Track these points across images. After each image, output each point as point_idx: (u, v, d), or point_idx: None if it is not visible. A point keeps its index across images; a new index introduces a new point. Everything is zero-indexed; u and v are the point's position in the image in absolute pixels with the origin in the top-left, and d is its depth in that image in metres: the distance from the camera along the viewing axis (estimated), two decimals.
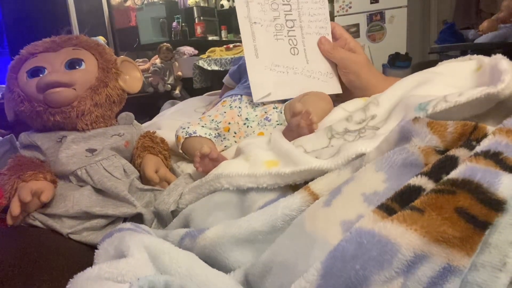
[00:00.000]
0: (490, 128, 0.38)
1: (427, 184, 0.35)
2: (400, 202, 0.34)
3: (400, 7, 3.70)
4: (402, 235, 0.30)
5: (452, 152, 0.37)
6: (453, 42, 3.04)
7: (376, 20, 3.81)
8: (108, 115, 0.70)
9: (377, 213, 0.33)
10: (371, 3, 3.80)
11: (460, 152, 0.36)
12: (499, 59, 0.50)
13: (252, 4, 0.77)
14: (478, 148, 0.34)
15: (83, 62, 0.67)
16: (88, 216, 0.60)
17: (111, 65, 0.71)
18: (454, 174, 0.32)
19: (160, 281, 0.33)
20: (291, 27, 0.81)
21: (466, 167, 0.32)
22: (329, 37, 0.83)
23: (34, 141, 0.65)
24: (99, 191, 0.63)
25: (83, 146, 0.65)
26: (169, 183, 0.70)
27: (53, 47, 0.67)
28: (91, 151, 0.66)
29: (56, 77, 0.63)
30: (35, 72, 0.65)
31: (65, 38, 0.70)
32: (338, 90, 0.83)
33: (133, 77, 0.75)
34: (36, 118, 0.65)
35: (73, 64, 0.66)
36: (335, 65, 0.83)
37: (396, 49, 3.45)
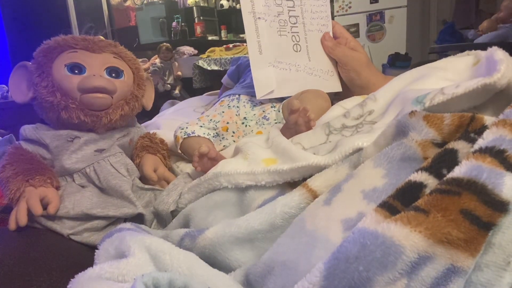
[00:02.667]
0: (488, 118, 0.38)
1: (428, 180, 0.35)
2: (402, 200, 0.34)
3: (400, 7, 3.70)
4: (407, 237, 0.29)
5: (451, 145, 0.36)
6: (452, 42, 3.04)
7: (375, 20, 3.81)
8: (120, 124, 0.71)
9: (379, 212, 0.33)
10: (371, 3, 3.80)
11: (459, 145, 0.36)
12: (494, 50, 0.50)
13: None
14: (482, 143, 0.34)
15: (123, 73, 0.68)
16: (88, 217, 0.59)
17: (143, 82, 0.73)
18: (459, 172, 0.32)
19: (164, 278, 0.33)
20: (294, 23, 0.81)
21: (471, 165, 0.32)
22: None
23: (42, 139, 0.63)
24: (100, 192, 0.63)
25: (92, 148, 0.66)
26: (168, 182, 0.71)
27: (93, 48, 0.67)
28: (100, 150, 0.66)
29: (104, 83, 0.63)
30: (74, 68, 0.64)
31: (106, 42, 0.70)
32: (338, 88, 0.84)
33: (149, 96, 0.77)
34: (60, 111, 0.63)
35: (114, 72, 0.67)
36: (335, 63, 0.83)
37: (395, 49, 3.45)
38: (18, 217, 0.54)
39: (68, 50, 0.65)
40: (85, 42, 0.66)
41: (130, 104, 0.69)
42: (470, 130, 0.37)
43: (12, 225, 0.54)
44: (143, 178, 0.70)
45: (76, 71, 0.63)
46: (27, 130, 0.65)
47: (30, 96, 0.64)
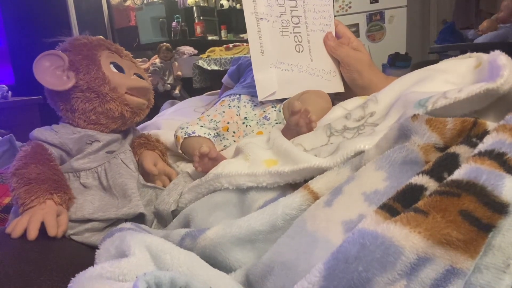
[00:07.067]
0: (490, 124, 0.38)
1: (429, 183, 0.35)
2: (402, 202, 0.34)
3: (400, 7, 3.71)
4: (406, 237, 0.29)
5: (452, 149, 0.36)
6: (452, 42, 3.05)
7: (375, 20, 3.81)
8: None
9: (379, 213, 0.33)
10: (371, 3, 3.80)
11: (460, 149, 0.36)
12: (497, 55, 0.50)
13: (259, 0, 0.76)
14: (482, 147, 0.34)
15: (145, 79, 0.75)
16: (90, 220, 0.60)
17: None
18: (458, 174, 0.32)
19: (166, 277, 0.33)
20: (297, 24, 0.81)
21: (470, 168, 0.32)
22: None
23: (66, 144, 0.64)
24: (102, 194, 0.63)
25: (105, 150, 0.68)
26: (168, 177, 0.72)
27: (121, 54, 0.74)
28: (110, 152, 0.68)
29: (148, 85, 0.73)
30: (117, 67, 0.70)
31: (125, 51, 0.76)
32: (340, 88, 0.83)
33: None
34: (104, 103, 0.66)
35: (139, 78, 0.73)
36: (338, 64, 0.83)
37: (395, 49, 3.45)
38: (30, 229, 0.50)
39: (106, 50, 0.71)
40: (114, 47, 0.73)
41: (150, 103, 0.76)
42: (472, 135, 0.37)
43: (17, 233, 0.50)
44: (144, 175, 0.70)
45: (117, 71, 0.70)
46: (46, 133, 0.64)
47: (70, 84, 0.65)
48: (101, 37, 0.73)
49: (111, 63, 0.69)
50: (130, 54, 0.77)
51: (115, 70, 0.69)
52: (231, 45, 3.17)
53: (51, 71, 0.65)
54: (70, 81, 0.65)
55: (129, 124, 0.73)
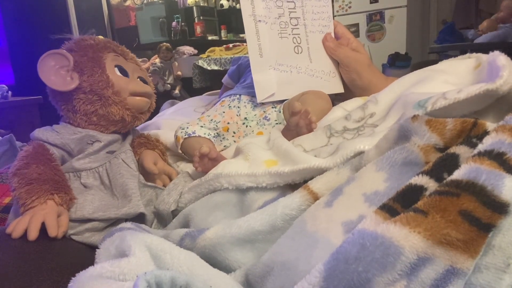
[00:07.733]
0: (490, 124, 0.38)
1: (429, 183, 0.35)
2: (402, 202, 0.34)
3: (400, 7, 3.71)
4: (406, 238, 0.29)
5: (452, 149, 0.36)
6: (452, 42, 3.05)
7: (375, 20, 3.82)
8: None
9: (379, 214, 0.33)
10: (371, 3, 3.80)
11: (460, 150, 0.36)
12: (497, 55, 0.50)
13: (257, 2, 0.76)
14: (481, 147, 0.34)
15: (147, 83, 0.75)
16: (90, 219, 0.60)
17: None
18: (458, 174, 0.32)
19: (166, 276, 0.33)
20: (295, 25, 0.80)
21: (470, 168, 0.32)
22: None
23: (68, 145, 0.64)
24: (102, 194, 0.63)
25: (105, 150, 0.68)
26: (168, 176, 0.72)
27: (126, 57, 0.74)
28: (111, 152, 0.68)
29: (150, 90, 0.73)
30: (121, 70, 0.70)
31: (131, 54, 0.76)
32: (340, 89, 0.83)
33: None
34: (107, 106, 0.66)
35: (142, 81, 0.74)
36: (337, 64, 0.83)
37: (395, 49, 3.46)
38: (31, 229, 0.50)
39: (112, 52, 0.71)
40: (119, 49, 0.73)
41: (151, 107, 0.77)
42: (472, 135, 0.37)
43: (17, 233, 0.50)
44: (144, 175, 0.70)
45: (121, 74, 0.70)
46: (47, 134, 0.64)
47: (73, 85, 0.64)
48: (107, 38, 0.73)
49: (116, 66, 0.69)
50: (135, 56, 0.77)
51: (119, 74, 0.69)
52: (231, 45, 3.17)
53: (55, 71, 0.65)
54: (73, 82, 0.65)
55: (129, 127, 0.73)
